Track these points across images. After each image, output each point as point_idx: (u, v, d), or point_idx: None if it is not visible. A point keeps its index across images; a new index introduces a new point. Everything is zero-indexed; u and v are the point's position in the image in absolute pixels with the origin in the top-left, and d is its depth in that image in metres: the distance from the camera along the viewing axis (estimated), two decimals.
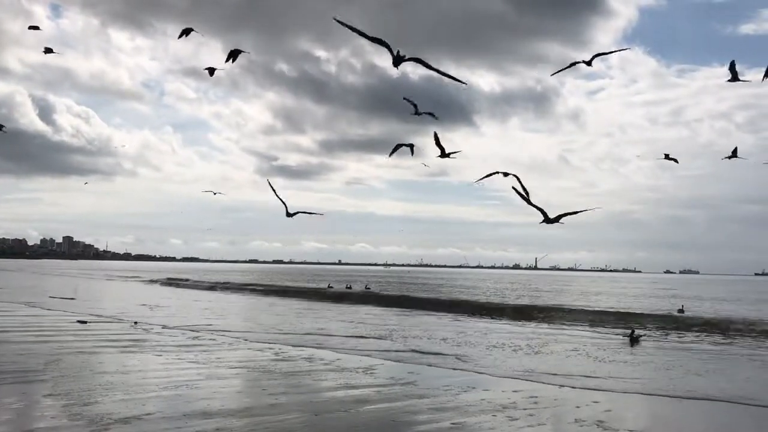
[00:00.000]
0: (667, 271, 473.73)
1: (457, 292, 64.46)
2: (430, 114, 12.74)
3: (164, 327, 24.52)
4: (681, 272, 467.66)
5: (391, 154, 13.56)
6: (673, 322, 30.26)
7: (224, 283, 70.57)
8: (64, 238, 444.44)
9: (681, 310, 41.38)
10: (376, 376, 14.80)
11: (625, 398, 13.33)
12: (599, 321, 31.62)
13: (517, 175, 11.16)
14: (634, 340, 23.70)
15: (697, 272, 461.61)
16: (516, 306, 40.06)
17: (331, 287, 66.77)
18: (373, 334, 24.57)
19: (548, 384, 14.46)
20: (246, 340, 21.23)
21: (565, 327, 29.37)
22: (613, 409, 12.04)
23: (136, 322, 25.84)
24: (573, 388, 14.11)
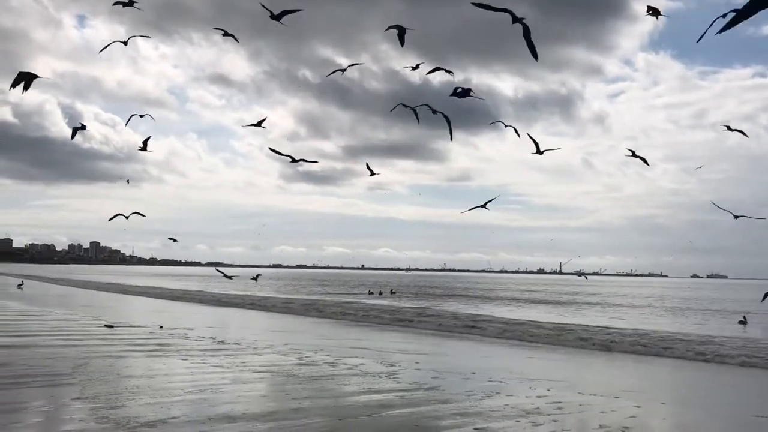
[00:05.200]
0: (694, 276, 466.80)
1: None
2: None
3: (189, 331, 24.77)
4: (708, 276, 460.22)
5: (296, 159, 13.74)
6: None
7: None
8: (91, 243, 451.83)
9: (743, 321, 37.69)
10: (400, 381, 14.80)
11: (651, 405, 13.16)
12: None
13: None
14: None
15: (725, 277, 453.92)
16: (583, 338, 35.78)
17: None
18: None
19: (572, 389, 14.34)
20: (270, 345, 21.36)
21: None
22: (638, 416, 11.91)
23: (161, 327, 26.13)
24: (597, 394, 13.96)
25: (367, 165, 14.51)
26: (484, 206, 12.78)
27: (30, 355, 17.44)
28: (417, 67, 13.97)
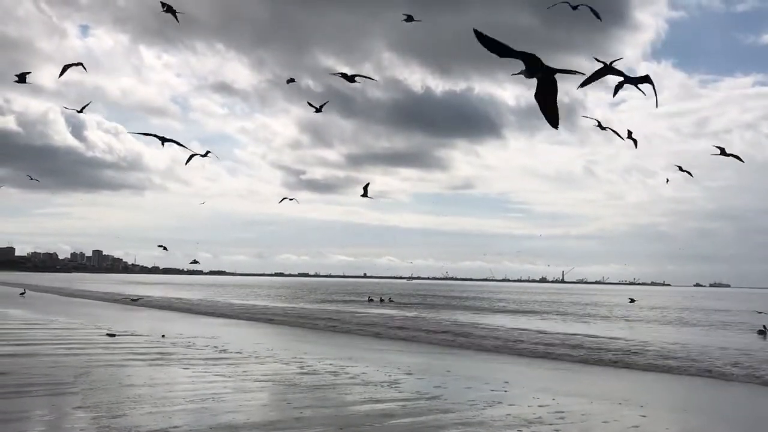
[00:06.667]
0: (697, 284, 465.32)
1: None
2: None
3: (191, 340, 24.75)
4: (711, 285, 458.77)
5: None
6: None
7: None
8: (93, 252, 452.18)
9: (763, 331, 35.49)
10: (402, 390, 14.76)
11: (654, 413, 13.11)
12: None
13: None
14: None
15: (728, 285, 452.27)
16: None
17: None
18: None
19: (575, 399, 14.30)
20: (271, 354, 21.33)
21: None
22: (641, 425, 11.86)
23: (163, 335, 26.12)
24: (601, 404, 13.93)
25: (289, 198, 16.75)
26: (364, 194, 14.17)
27: (32, 363, 17.43)
28: (292, 80, 15.21)
